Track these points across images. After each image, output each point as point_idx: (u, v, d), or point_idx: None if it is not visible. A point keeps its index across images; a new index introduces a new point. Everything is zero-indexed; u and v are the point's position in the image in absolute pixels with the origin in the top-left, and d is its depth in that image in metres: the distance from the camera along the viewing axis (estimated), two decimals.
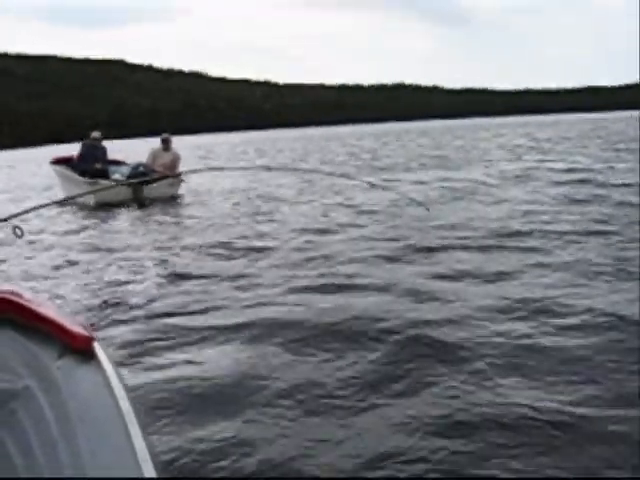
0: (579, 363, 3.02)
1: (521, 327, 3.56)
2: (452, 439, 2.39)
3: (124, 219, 9.33)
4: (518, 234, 6.26)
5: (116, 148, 18.49)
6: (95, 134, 12.30)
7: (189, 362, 3.29)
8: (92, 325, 3.82)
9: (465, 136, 37.59)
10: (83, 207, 10.57)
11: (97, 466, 1.20)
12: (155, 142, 12.52)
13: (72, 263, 6.11)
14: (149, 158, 11.73)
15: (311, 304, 4.18)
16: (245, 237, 7.00)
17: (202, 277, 5.17)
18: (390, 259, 5.50)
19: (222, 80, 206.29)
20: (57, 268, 5.92)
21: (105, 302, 4.51)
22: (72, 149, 12.53)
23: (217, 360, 3.29)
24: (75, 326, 1.64)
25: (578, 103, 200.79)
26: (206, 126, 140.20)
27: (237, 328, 3.75)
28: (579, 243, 5.72)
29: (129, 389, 1.40)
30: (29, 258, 6.52)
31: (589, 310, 3.74)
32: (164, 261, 5.93)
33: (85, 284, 5.14)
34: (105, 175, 11.59)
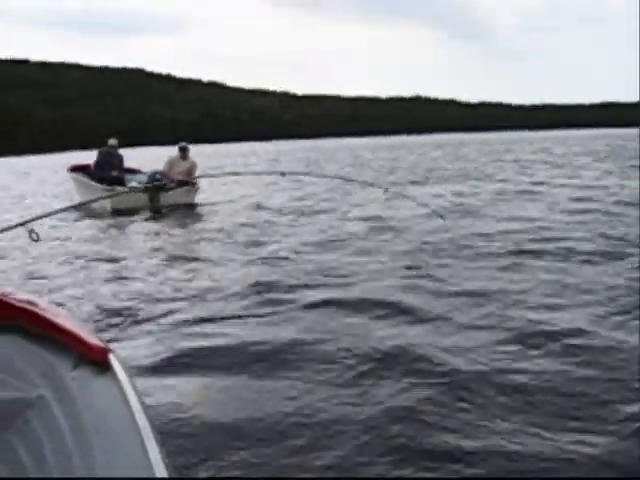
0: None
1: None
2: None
3: (139, 227, 9.37)
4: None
5: (132, 156, 18.44)
6: (112, 141, 12.40)
7: (206, 376, 3.22)
8: (107, 340, 3.82)
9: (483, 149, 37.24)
10: (99, 214, 10.64)
11: (112, 478, 1.20)
12: (173, 150, 12.60)
13: (86, 269, 6.13)
14: (166, 166, 11.81)
15: (326, 324, 4.13)
16: (260, 244, 7.01)
17: (217, 290, 5.05)
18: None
19: (241, 90, 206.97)
20: (71, 273, 5.95)
21: (120, 312, 4.48)
22: (93, 156, 12.63)
23: (235, 376, 3.19)
24: (91, 337, 1.65)
25: (594, 118, 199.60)
26: (225, 136, 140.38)
27: (255, 344, 3.63)
28: (596, 264, 5.64)
29: (144, 401, 1.40)
30: (43, 261, 6.57)
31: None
32: (181, 271, 5.91)
33: (101, 292, 5.14)
34: (121, 183, 11.70)
